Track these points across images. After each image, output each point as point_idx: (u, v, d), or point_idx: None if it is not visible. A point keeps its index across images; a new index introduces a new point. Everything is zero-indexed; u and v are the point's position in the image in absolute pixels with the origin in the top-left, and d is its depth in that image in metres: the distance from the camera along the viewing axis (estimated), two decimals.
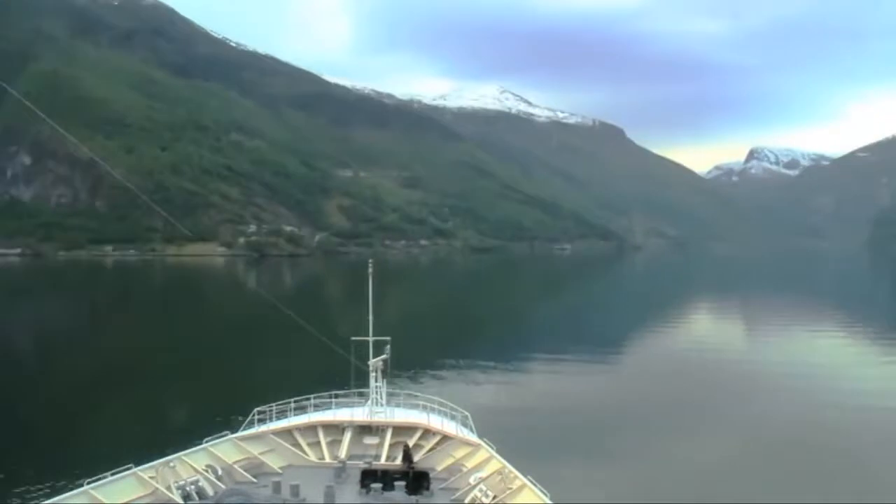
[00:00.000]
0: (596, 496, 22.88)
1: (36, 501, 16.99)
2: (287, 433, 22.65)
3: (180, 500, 18.15)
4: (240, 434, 22.19)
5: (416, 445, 21.88)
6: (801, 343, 64.17)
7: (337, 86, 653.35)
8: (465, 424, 22.70)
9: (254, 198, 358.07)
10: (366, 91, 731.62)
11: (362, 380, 23.55)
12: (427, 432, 22.48)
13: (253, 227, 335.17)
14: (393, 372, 24.31)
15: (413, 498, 18.62)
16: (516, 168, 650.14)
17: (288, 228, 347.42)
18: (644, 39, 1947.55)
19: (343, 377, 24.87)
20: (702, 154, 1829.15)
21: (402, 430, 22.58)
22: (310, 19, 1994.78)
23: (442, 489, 19.55)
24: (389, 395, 23.86)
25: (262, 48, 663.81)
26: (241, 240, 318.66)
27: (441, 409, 23.63)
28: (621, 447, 29.86)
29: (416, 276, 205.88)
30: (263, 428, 22.61)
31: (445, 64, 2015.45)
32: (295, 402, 23.73)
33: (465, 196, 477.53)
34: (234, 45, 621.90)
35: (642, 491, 24.31)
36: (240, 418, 23.06)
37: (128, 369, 48.76)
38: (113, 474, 17.89)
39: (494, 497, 18.27)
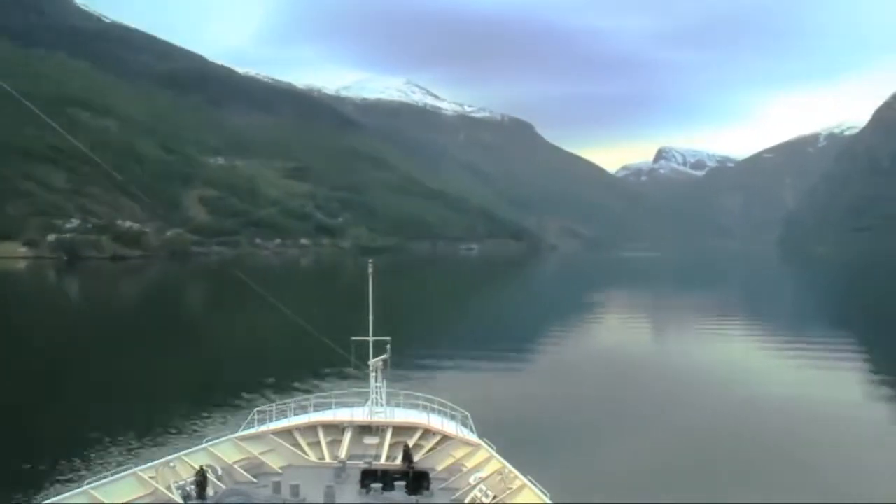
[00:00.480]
0: (596, 496, 26.21)
1: (36, 501, 18.72)
2: (287, 433, 25.24)
3: (180, 500, 20.25)
4: (240, 434, 24.66)
5: (416, 445, 24.74)
6: (718, 342, 74.62)
7: (221, 67, 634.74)
8: (465, 424, 25.71)
9: (85, 186, 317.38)
10: (256, 75, 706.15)
11: (362, 380, 26.54)
12: (427, 432, 25.42)
13: (76, 222, 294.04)
14: (392, 372, 27.32)
15: (413, 498, 21.07)
16: (420, 161, 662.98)
17: (126, 224, 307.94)
18: (557, 35, 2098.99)
19: (343, 377, 27.52)
20: (610, 154, 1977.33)
21: (402, 430, 25.46)
22: (221, 9, 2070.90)
23: (442, 489, 22.10)
24: (389, 395, 26.74)
25: (165, 35, 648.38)
26: (51, 237, 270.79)
27: (441, 409, 26.66)
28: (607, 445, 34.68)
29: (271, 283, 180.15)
30: (263, 428, 25.16)
31: (356, 57, 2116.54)
32: (295, 402, 26.51)
33: (359, 189, 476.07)
34: (105, 19, 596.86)
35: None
36: (240, 418, 25.78)
37: (128, 369, 53.56)
38: (113, 474, 20.04)
39: (494, 497, 20.41)
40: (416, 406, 27.18)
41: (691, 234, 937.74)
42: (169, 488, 20.47)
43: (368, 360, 26.32)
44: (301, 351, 51.13)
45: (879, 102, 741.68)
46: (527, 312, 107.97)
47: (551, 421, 37.29)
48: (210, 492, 20.92)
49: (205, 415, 35.47)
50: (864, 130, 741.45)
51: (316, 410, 26.65)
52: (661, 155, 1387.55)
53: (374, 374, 26.34)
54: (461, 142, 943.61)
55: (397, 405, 27.30)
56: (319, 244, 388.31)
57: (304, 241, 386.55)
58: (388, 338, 26.38)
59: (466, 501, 20.78)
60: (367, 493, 21.07)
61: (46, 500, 18.55)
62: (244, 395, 37.93)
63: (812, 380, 51.38)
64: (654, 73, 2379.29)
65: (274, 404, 25.94)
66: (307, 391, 27.42)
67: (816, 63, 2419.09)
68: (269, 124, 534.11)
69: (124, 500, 19.76)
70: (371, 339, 26.31)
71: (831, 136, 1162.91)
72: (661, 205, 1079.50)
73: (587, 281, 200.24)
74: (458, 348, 63.19)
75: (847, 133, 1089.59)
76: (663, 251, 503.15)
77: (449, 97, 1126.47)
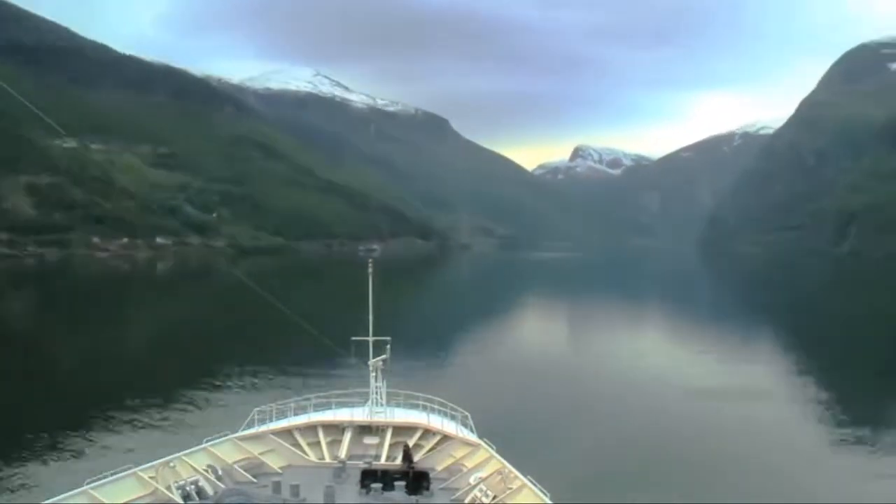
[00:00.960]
0: (595, 496, 30.02)
1: (36, 501, 20.75)
2: (287, 433, 28.16)
3: (180, 500, 22.75)
4: (240, 434, 27.44)
5: (416, 445, 27.85)
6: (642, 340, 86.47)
7: (94, 42, 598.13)
8: (465, 424, 28.95)
9: None
10: (136, 55, 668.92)
11: (362, 380, 29.71)
12: (427, 432, 28.61)
13: None
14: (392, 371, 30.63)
15: (413, 498, 23.70)
16: (321, 154, 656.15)
17: None
18: (481, 29, 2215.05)
19: (343, 377, 30.70)
20: (529, 152, 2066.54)
21: (402, 430, 28.63)
22: None
23: (442, 489, 24.88)
24: (389, 395, 29.95)
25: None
26: None
27: (441, 409, 29.93)
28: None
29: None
30: (263, 428, 28.03)
31: (269, 48, 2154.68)
32: (295, 402, 29.50)
33: (242, 181, 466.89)
34: None
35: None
36: (240, 418, 28.49)
37: (128, 370, 59.79)
38: (113, 474, 22.31)
39: (494, 497, 22.73)
40: (416, 406, 30.28)
41: (611, 233, 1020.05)
42: (169, 488, 22.74)
43: (368, 360, 29.40)
44: (301, 351, 56.31)
45: (797, 101, 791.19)
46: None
47: None
48: (210, 492, 23.39)
49: (205, 415, 39.18)
50: (784, 129, 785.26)
51: (316, 410, 29.55)
52: (577, 153, 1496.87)
53: (374, 374, 29.41)
54: (371, 136, 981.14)
55: (397, 405, 30.38)
56: (184, 244, 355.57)
57: (160, 240, 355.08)
58: (388, 338, 29.56)
59: (466, 501, 23.35)
60: (367, 493, 23.51)
61: (46, 500, 20.43)
62: (244, 395, 42.24)
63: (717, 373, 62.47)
64: (578, 70, 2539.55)
65: (274, 404, 28.76)
66: (307, 391, 30.23)
67: (740, 64, 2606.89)
68: (139, 105, 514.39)
69: (124, 500, 21.97)
70: (371, 339, 29.39)
71: (746, 136, 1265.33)
72: (579, 203, 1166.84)
73: (498, 284, 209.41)
74: None
75: (762, 132, 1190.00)
76: (584, 251, 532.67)
77: (362, 90, 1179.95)
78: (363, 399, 29.88)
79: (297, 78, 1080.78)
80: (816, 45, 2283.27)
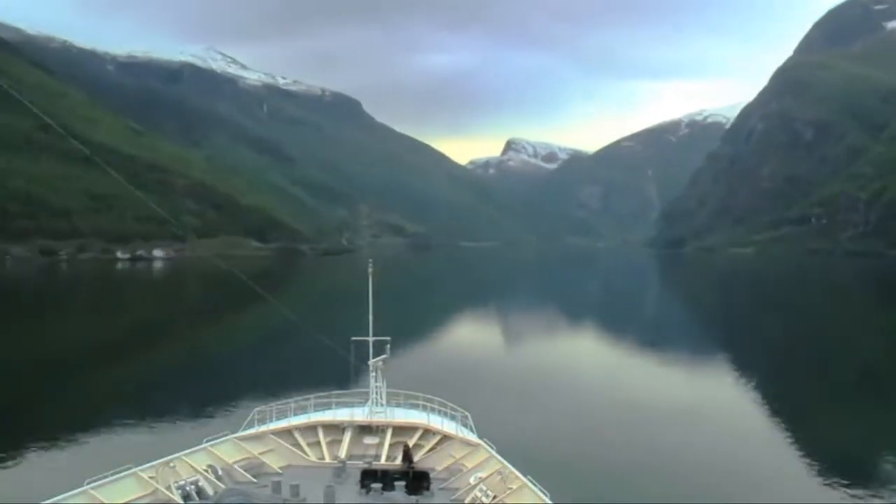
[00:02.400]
0: (595, 496, 31.25)
1: (36, 501, 20.87)
2: (287, 433, 29.09)
3: (180, 500, 23.57)
4: (240, 434, 28.33)
5: (416, 445, 28.94)
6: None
7: None
8: (465, 424, 30.10)
9: None
10: None
11: (362, 380, 30.83)
12: (427, 432, 29.78)
13: None
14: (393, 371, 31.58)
15: (413, 498, 24.55)
16: (164, 127, 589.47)
17: None
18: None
19: (343, 377, 30.51)
20: (461, 145, 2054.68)
21: (402, 430, 29.76)
22: None
23: (442, 489, 25.84)
24: (389, 394, 30.97)
25: None
26: None
27: (441, 409, 31.08)
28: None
29: None
30: (263, 428, 28.94)
31: (182, 31, 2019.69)
32: (295, 402, 30.37)
33: None
34: None
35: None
36: (240, 418, 29.52)
37: (128, 369, 61.44)
38: (113, 474, 22.98)
39: (494, 497, 23.59)
40: (416, 406, 31.39)
41: (546, 231, 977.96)
42: (169, 488, 23.40)
43: (368, 360, 30.39)
44: (301, 351, 59.10)
45: (749, 84, 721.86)
46: None
47: None
48: (210, 492, 24.10)
49: (205, 415, 40.17)
50: (759, 103, 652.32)
51: (316, 410, 30.39)
52: (510, 146, 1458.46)
53: (374, 373, 30.44)
54: (263, 116, 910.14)
55: (397, 405, 31.41)
56: None
57: None
58: (387, 338, 30.56)
59: (466, 501, 24.16)
60: (367, 493, 24.24)
61: (46, 500, 20.85)
62: (244, 395, 42.87)
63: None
64: (517, 58, 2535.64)
65: (274, 404, 29.50)
66: (307, 391, 30.81)
67: (686, 54, 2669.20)
68: None
69: (124, 500, 22.57)
70: (371, 339, 30.46)
71: (693, 124, 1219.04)
72: (509, 199, 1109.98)
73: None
74: None
75: (710, 120, 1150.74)
76: (516, 251, 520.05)
77: (278, 72, 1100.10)
78: (363, 399, 30.90)
79: (179, 51, 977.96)
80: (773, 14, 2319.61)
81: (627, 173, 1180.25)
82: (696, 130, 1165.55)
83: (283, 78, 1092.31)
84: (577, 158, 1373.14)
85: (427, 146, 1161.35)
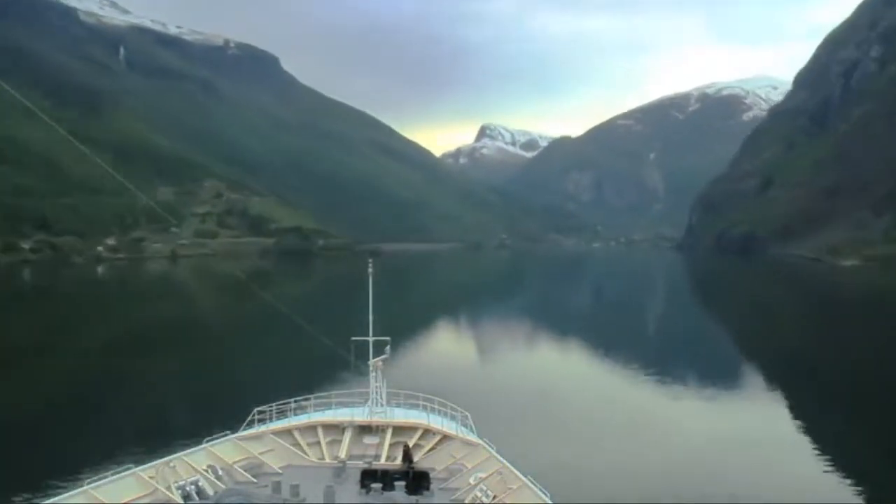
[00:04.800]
0: (595, 496, 31.71)
1: (36, 501, 21.73)
2: (287, 433, 29.38)
3: (180, 500, 23.78)
4: (240, 434, 28.62)
5: (416, 445, 29.13)
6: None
7: None
8: (464, 424, 30.36)
9: None
10: None
11: (362, 380, 31.05)
12: (427, 432, 29.99)
13: None
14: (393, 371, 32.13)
15: (413, 498, 24.70)
16: None
17: None
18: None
19: (343, 377, 30.80)
20: (438, 134, 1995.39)
21: (402, 429, 30.01)
22: None
23: (442, 489, 26.02)
24: (389, 394, 31.32)
25: None
26: None
27: (441, 408, 31.36)
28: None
29: None
30: (263, 428, 29.24)
31: None
32: (295, 402, 30.72)
33: None
34: None
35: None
36: (240, 418, 29.56)
37: (128, 369, 61.22)
38: (113, 474, 23.20)
39: (494, 497, 23.77)
40: (416, 406, 31.69)
41: (527, 230, 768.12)
42: (169, 488, 23.63)
43: (368, 360, 30.72)
44: (301, 351, 58.53)
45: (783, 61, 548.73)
46: None
47: None
48: (210, 492, 24.34)
49: (205, 415, 40.34)
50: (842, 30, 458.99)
51: (316, 410, 30.76)
52: (484, 133, 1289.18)
53: (374, 373, 30.76)
54: (115, 64, 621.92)
55: (397, 405, 31.75)
56: None
57: None
58: (387, 338, 30.90)
59: (466, 501, 24.23)
60: (367, 493, 24.41)
61: (46, 500, 21.01)
62: (244, 395, 42.25)
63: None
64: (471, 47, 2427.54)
65: (274, 404, 29.76)
66: (307, 391, 31.24)
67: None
68: None
69: (124, 500, 22.75)
70: (371, 339, 30.73)
71: (705, 97, 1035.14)
72: (480, 191, 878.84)
73: None
74: None
75: (724, 93, 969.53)
76: (485, 256, 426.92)
77: (164, 19, 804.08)
78: (363, 399, 31.19)
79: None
80: None
81: (624, 158, 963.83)
82: (708, 104, 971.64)
83: (177, 27, 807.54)
84: (562, 142, 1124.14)
85: (364, 115, 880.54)
